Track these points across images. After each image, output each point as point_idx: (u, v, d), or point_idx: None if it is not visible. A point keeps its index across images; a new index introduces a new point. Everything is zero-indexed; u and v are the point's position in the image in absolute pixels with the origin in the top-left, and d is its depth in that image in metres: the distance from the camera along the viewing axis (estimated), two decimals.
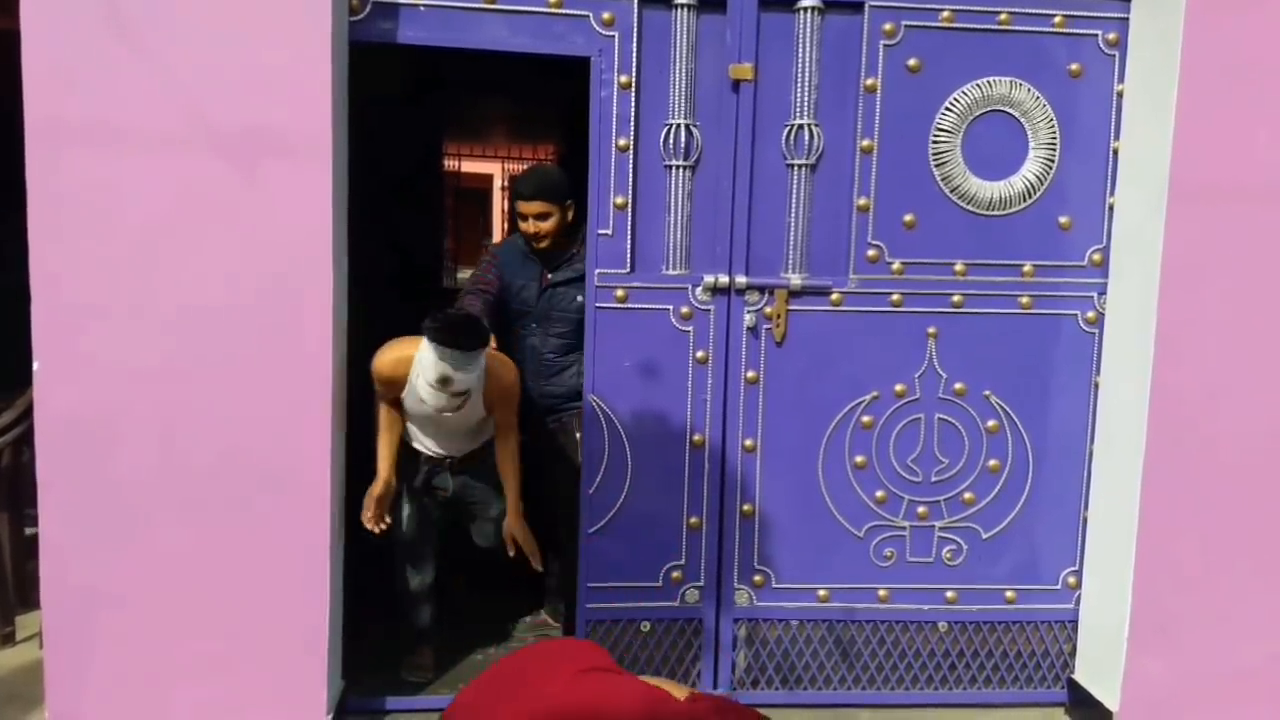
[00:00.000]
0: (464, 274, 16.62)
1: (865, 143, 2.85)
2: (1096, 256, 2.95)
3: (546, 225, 3.11)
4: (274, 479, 2.57)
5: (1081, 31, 2.88)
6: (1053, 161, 2.91)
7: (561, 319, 3.18)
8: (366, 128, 3.01)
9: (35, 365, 2.47)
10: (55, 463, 2.50)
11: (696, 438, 2.92)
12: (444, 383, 2.64)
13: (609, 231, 2.83)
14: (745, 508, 2.96)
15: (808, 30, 2.80)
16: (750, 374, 2.91)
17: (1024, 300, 2.95)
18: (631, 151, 2.80)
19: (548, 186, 3.12)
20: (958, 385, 2.96)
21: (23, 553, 3.42)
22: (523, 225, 3.16)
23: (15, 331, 2.56)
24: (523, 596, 3.61)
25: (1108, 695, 2.91)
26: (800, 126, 2.84)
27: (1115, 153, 2.91)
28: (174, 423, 2.53)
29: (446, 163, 9.76)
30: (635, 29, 2.76)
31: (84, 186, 2.44)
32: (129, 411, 2.51)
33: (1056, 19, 2.86)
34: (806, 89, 2.83)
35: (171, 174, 2.46)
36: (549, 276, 3.19)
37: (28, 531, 3.37)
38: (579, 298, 3.11)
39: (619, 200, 2.82)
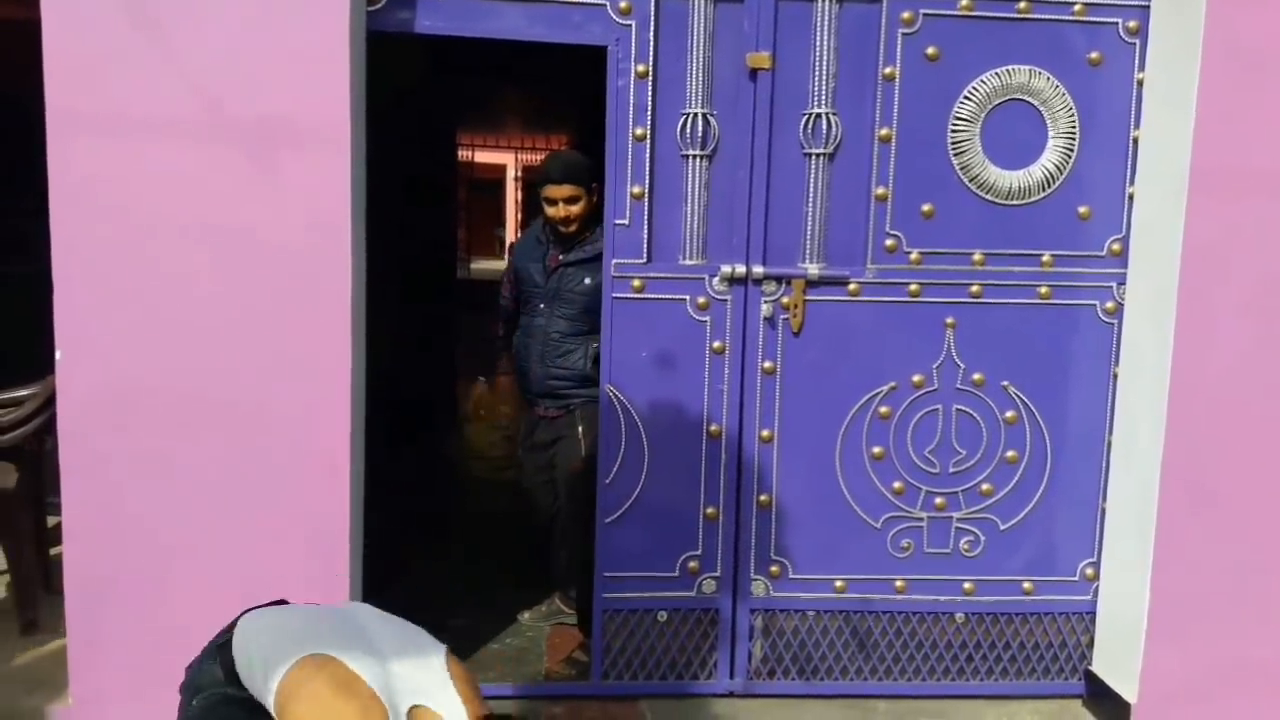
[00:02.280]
0: (477, 265, 16.66)
1: (883, 132, 2.84)
2: (1116, 246, 2.94)
3: (576, 209, 3.14)
4: (295, 466, 2.58)
5: (1102, 20, 2.85)
6: (1072, 151, 2.89)
7: (569, 299, 3.20)
8: (384, 117, 3.01)
9: (58, 354, 2.49)
10: (77, 451, 2.52)
11: (713, 428, 2.92)
12: None
13: (626, 221, 2.83)
14: (762, 498, 2.96)
15: (826, 19, 2.79)
16: (767, 364, 2.90)
17: (1043, 290, 2.93)
18: (648, 141, 2.80)
19: (577, 170, 3.16)
20: (976, 376, 2.95)
21: (45, 541, 3.45)
22: (550, 210, 3.18)
23: (38, 321, 2.57)
24: (535, 583, 3.62)
25: (1126, 687, 2.90)
26: (818, 115, 2.83)
27: (1135, 142, 2.89)
28: (195, 411, 2.55)
29: (460, 153, 9.76)
30: (653, 18, 2.75)
31: (104, 176, 2.46)
32: (150, 400, 2.53)
33: (1076, 7, 2.84)
34: (824, 78, 2.81)
35: (191, 163, 2.48)
36: (559, 257, 3.21)
37: (50, 520, 3.40)
38: (586, 279, 3.14)
39: (636, 190, 2.81)
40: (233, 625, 1.89)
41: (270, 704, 1.70)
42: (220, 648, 1.87)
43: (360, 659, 1.70)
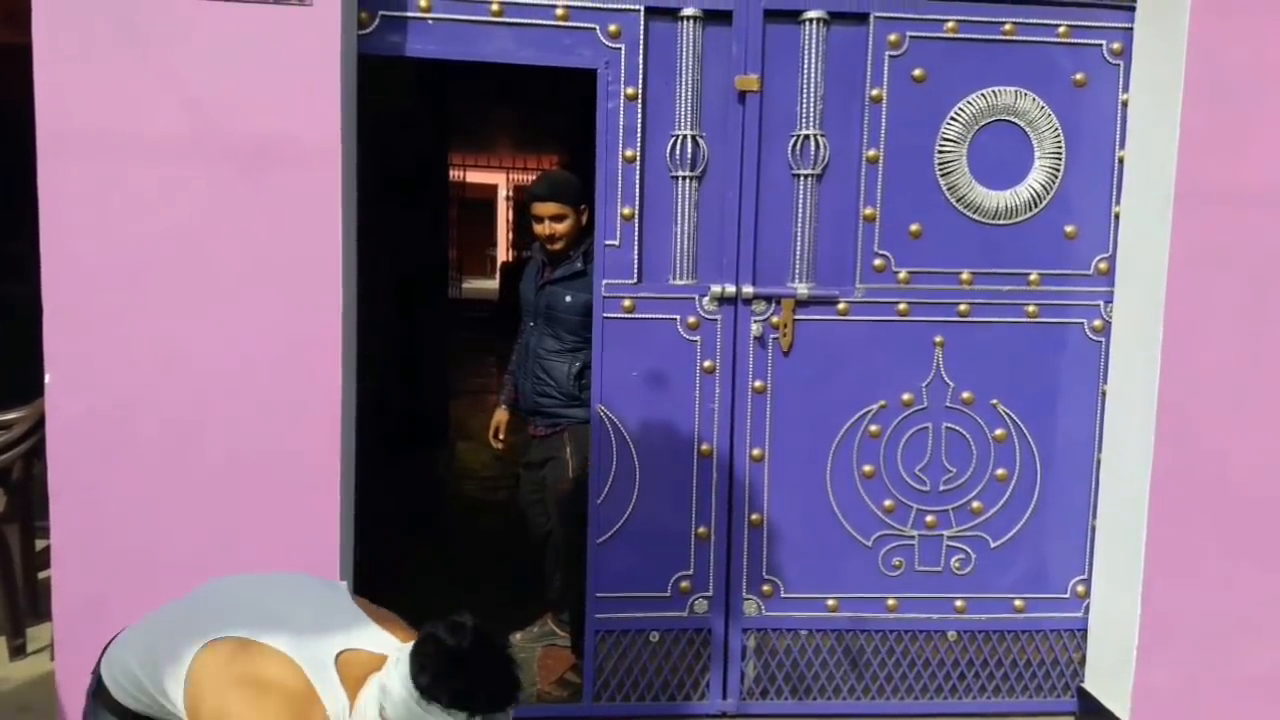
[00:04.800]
0: (468, 284, 16.69)
1: (871, 153, 2.86)
2: (1103, 265, 2.96)
3: (561, 227, 3.15)
4: (285, 486, 2.58)
5: (1086, 41, 2.89)
6: (1058, 171, 2.92)
7: (553, 317, 3.21)
8: (376, 137, 3.03)
9: (47, 377, 2.48)
10: (66, 473, 2.51)
11: (704, 447, 2.92)
12: None
13: (616, 242, 2.84)
14: (753, 517, 2.96)
15: (813, 41, 2.82)
16: (758, 383, 2.91)
17: (1030, 309, 2.95)
18: (638, 163, 2.81)
19: (564, 189, 3.17)
20: (965, 394, 2.96)
21: (34, 565, 3.43)
22: (537, 227, 3.19)
23: (28, 344, 2.57)
24: (527, 604, 3.61)
25: (1118, 704, 2.90)
26: (806, 137, 2.85)
27: (1121, 161, 2.92)
28: (185, 432, 2.54)
29: (451, 173, 9.81)
30: (642, 41, 2.77)
31: (94, 199, 2.46)
32: (140, 422, 2.52)
33: (1061, 29, 2.87)
34: (812, 100, 2.84)
35: (182, 186, 2.48)
36: (546, 273, 3.23)
37: (39, 544, 3.38)
38: (568, 297, 3.15)
39: (626, 211, 2.83)
40: (97, 668, 1.79)
41: (179, 706, 1.60)
42: (97, 694, 1.76)
43: (259, 629, 1.58)
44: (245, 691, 1.52)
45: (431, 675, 1.45)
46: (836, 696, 3.04)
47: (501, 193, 18.88)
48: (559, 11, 2.73)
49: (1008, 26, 2.86)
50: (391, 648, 1.59)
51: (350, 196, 2.63)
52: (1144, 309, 2.83)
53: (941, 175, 2.89)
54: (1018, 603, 3.05)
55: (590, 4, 2.74)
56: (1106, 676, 2.98)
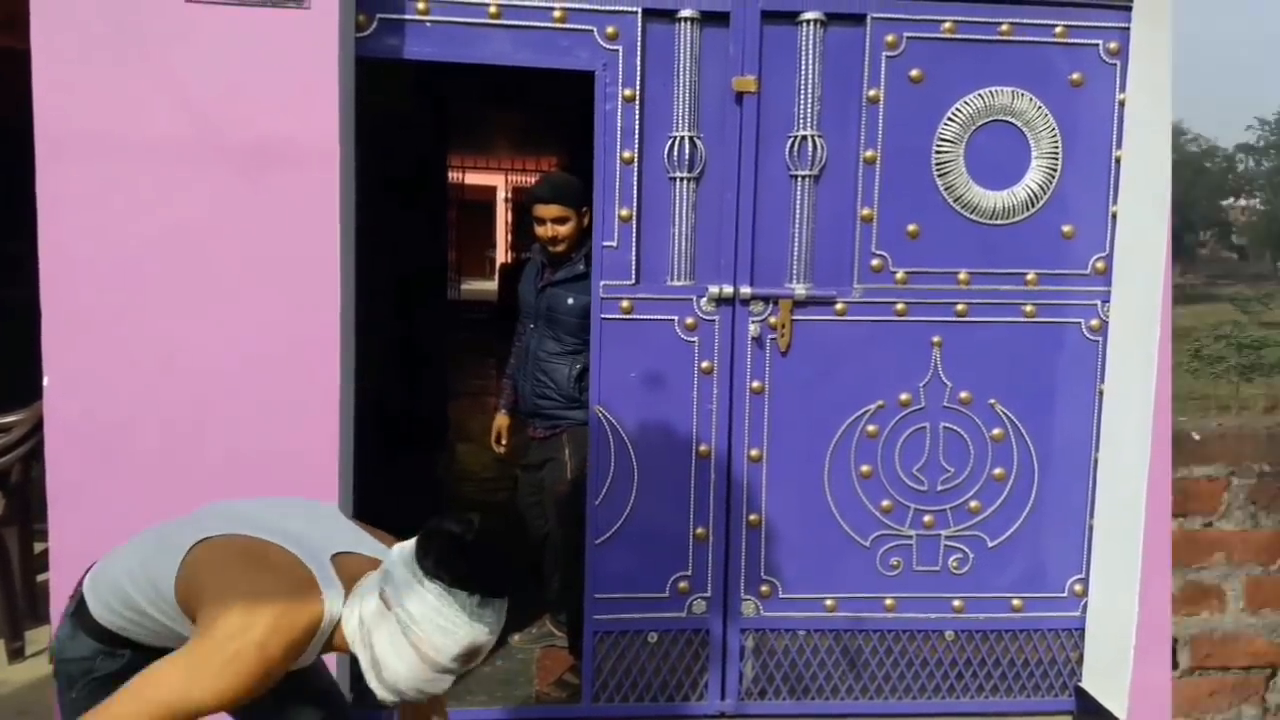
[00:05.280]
0: (467, 286, 16.70)
1: (868, 153, 2.86)
2: (1100, 264, 2.96)
3: (563, 229, 3.14)
4: (284, 486, 2.55)
5: (1082, 41, 2.89)
6: (1055, 170, 2.92)
7: (554, 319, 3.20)
8: (375, 139, 3.03)
9: (46, 380, 2.49)
10: (65, 476, 2.52)
11: (702, 448, 2.93)
12: (471, 656, 1.53)
13: (614, 243, 2.84)
14: (751, 518, 2.96)
15: (810, 42, 2.82)
16: (755, 384, 2.92)
17: (1028, 309, 2.96)
18: (636, 164, 2.82)
19: (566, 191, 3.16)
20: (963, 394, 2.97)
21: (32, 567, 3.44)
22: (539, 229, 3.19)
23: (27, 346, 2.57)
24: (525, 606, 3.61)
25: (1115, 703, 2.91)
26: (803, 138, 2.85)
27: (1117, 161, 2.93)
28: (184, 433, 2.54)
29: (450, 175, 9.82)
30: (639, 43, 2.77)
31: (93, 200, 2.46)
32: (139, 423, 2.53)
33: (1057, 29, 2.88)
34: (809, 100, 2.84)
35: (181, 187, 2.49)
36: (548, 275, 3.23)
37: (37, 547, 3.39)
38: (570, 299, 3.14)
39: (624, 212, 2.83)
40: (79, 589, 1.80)
41: (170, 603, 1.62)
42: (76, 614, 1.76)
43: (256, 531, 1.62)
44: (247, 565, 1.56)
45: (435, 558, 1.49)
46: (835, 696, 3.04)
47: (500, 194, 18.89)
48: (556, 13, 2.74)
49: (1004, 27, 2.86)
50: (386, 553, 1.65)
51: (349, 197, 2.63)
52: (1141, 308, 2.83)
53: (939, 175, 2.89)
54: (1015, 602, 3.05)
55: (587, 6, 2.75)
56: (1104, 676, 2.98)
